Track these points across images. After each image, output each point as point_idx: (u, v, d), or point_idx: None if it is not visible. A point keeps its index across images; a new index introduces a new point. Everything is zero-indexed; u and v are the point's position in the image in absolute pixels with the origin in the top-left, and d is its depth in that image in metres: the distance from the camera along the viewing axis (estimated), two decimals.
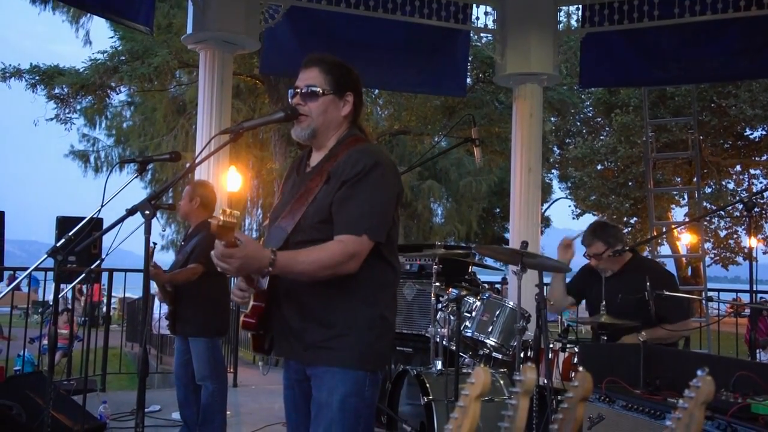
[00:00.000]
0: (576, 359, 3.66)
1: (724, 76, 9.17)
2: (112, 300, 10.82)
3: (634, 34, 6.68)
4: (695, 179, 10.31)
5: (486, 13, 6.98)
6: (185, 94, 16.57)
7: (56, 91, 14.97)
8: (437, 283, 4.43)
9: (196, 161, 2.51)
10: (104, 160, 18.59)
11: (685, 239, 20.51)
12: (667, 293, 3.62)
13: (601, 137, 19.96)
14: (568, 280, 4.41)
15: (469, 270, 5.20)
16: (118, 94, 16.33)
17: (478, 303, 4.36)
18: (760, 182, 19.81)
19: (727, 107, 15.72)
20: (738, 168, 19.84)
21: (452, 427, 1.18)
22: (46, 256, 2.97)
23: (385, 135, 17.40)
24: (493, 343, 4.27)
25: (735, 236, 20.70)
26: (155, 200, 2.30)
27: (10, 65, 14.95)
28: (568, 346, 3.74)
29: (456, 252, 4.92)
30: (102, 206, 2.91)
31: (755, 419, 2.35)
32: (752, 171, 19.99)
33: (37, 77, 14.82)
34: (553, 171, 23.94)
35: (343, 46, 6.58)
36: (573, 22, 13.62)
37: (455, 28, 6.90)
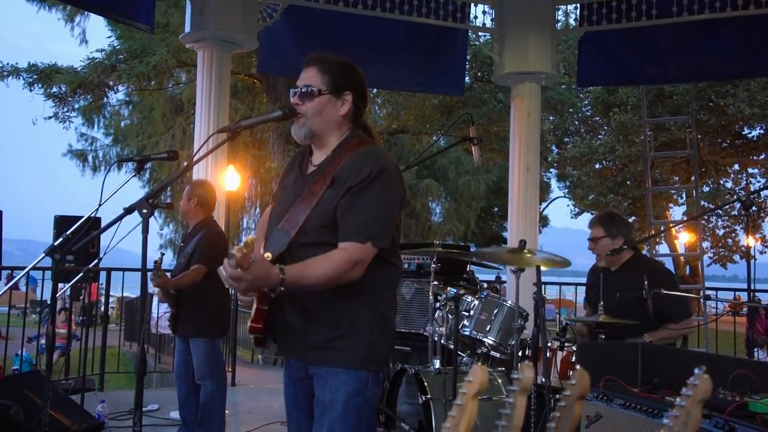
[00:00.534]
0: (574, 358, 3.66)
1: (722, 75, 9.19)
2: (111, 299, 10.79)
3: (633, 33, 6.68)
4: (693, 178, 10.31)
5: (484, 12, 6.99)
6: (183, 93, 16.56)
7: (54, 90, 14.95)
8: (435, 282, 4.43)
9: (194, 160, 2.52)
10: (102, 159, 18.59)
11: (684, 238, 20.50)
12: (666, 292, 3.62)
13: (600, 136, 19.95)
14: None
15: (468, 269, 5.20)
16: (116, 93, 16.33)
17: (477, 302, 4.36)
18: (758, 181, 19.82)
19: (725, 106, 15.72)
20: (736, 167, 19.84)
21: (450, 426, 1.18)
22: (43, 255, 2.96)
23: (384, 134, 17.40)
24: (491, 342, 4.27)
25: (733, 235, 20.72)
26: (153, 199, 2.30)
27: (7, 64, 14.95)
28: (566, 344, 3.74)
29: (454, 251, 4.92)
30: (100, 205, 2.91)
31: (753, 417, 2.35)
32: (750, 170, 20.00)
33: (34, 76, 14.81)
34: (551, 170, 23.94)
35: (341, 45, 6.58)
36: (571, 21, 13.64)
37: (453, 27, 6.90)
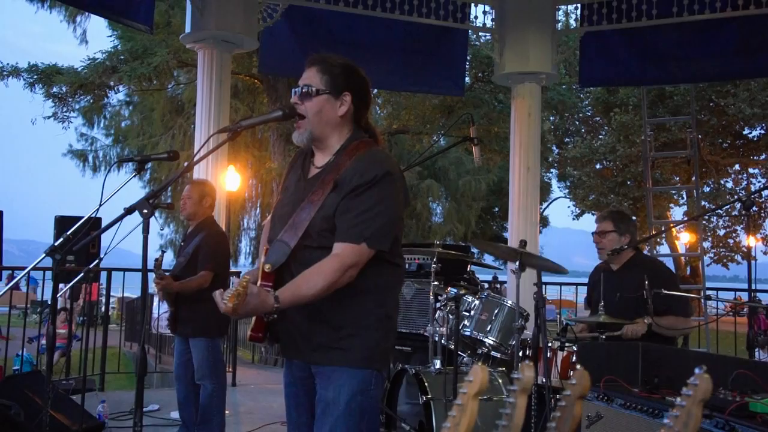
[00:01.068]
0: (574, 358, 3.66)
1: (723, 75, 9.18)
2: (111, 299, 10.80)
3: (633, 33, 6.69)
4: (694, 178, 10.30)
5: (484, 12, 6.98)
6: (183, 93, 16.55)
7: (54, 90, 14.94)
8: (436, 282, 4.43)
9: (195, 160, 2.52)
10: (102, 160, 18.57)
11: (684, 238, 20.51)
12: (666, 292, 3.61)
13: (600, 136, 19.95)
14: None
15: (468, 269, 5.20)
16: (116, 93, 16.32)
17: (477, 302, 4.36)
18: (759, 181, 19.82)
19: (726, 106, 15.71)
20: (736, 167, 19.84)
21: (450, 426, 1.18)
22: (44, 255, 2.97)
23: (384, 134, 17.38)
24: (491, 342, 4.27)
25: (734, 235, 20.71)
26: (153, 199, 2.30)
27: (8, 64, 14.93)
28: (566, 344, 3.74)
29: (455, 252, 4.92)
30: (100, 205, 2.91)
31: (753, 417, 2.35)
32: (751, 170, 20.00)
33: (35, 76, 14.79)
34: (552, 170, 23.93)
35: (341, 45, 6.59)
36: (572, 21, 13.63)
37: (454, 28, 6.90)
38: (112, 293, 9.12)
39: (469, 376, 1.20)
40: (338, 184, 2.19)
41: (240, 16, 6.03)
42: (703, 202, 15.95)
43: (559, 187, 25.89)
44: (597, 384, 2.92)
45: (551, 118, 19.53)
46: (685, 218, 18.22)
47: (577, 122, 21.01)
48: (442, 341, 4.36)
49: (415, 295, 5.16)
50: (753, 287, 3.78)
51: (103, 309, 10.47)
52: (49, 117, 15.45)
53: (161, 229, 18.96)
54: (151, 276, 4.14)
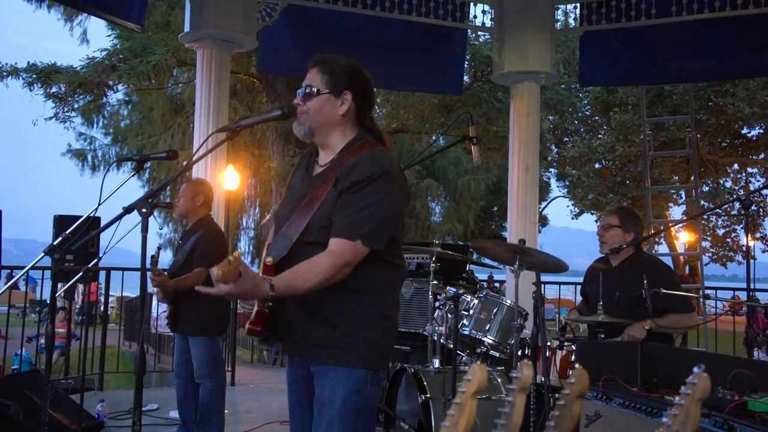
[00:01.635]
0: (573, 357, 3.66)
1: (722, 75, 9.18)
2: (110, 299, 10.80)
3: (632, 33, 6.69)
4: (693, 178, 10.32)
5: (483, 12, 6.98)
6: (184, 92, 16.54)
7: (53, 89, 14.93)
8: (435, 282, 4.43)
9: (194, 159, 2.52)
10: (101, 159, 18.56)
11: (683, 238, 20.53)
12: (665, 291, 3.61)
13: (599, 136, 19.97)
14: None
15: (467, 268, 5.20)
16: (115, 92, 16.31)
17: (476, 301, 4.37)
18: (758, 180, 19.84)
19: (725, 106, 15.72)
20: (735, 166, 19.86)
21: (449, 425, 1.18)
22: (43, 254, 2.97)
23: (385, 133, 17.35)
24: (490, 341, 4.28)
25: (733, 234, 20.73)
26: (152, 198, 2.30)
27: (6, 64, 14.92)
28: (565, 343, 3.74)
29: (453, 252, 4.92)
30: (99, 204, 2.91)
31: (752, 416, 2.36)
32: (750, 169, 20.02)
33: (34, 76, 14.79)
34: (551, 170, 23.96)
35: (340, 44, 6.58)
36: (571, 21, 13.62)
37: (453, 27, 6.90)
38: (111, 292, 9.12)
39: (468, 375, 1.20)
40: (338, 179, 2.21)
41: (239, 15, 6.03)
42: (702, 202, 15.98)
43: (558, 187, 25.93)
44: (596, 383, 2.93)
45: (550, 117, 19.53)
46: (684, 218, 18.24)
47: (576, 122, 21.02)
48: (441, 340, 4.36)
49: (414, 295, 5.17)
50: (751, 287, 3.78)
51: (102, 308, 10.48)
52: (50, 118, 15.45)
53: (160, 229, 18.97)
54: (150, 275, 4.14)
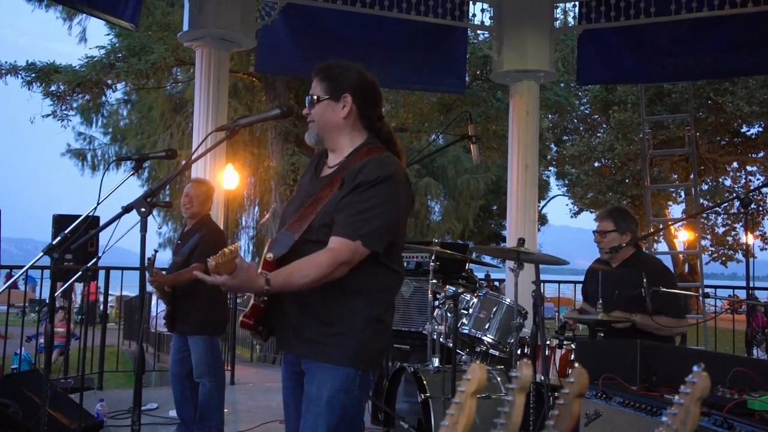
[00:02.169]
0: (573, 356, 3.66)
1: (721, 73, 9.19)
2: (110, 298, 10.80)
3: (631, 31, 6.69)
4: (692, 176, 10.32)
5: (483, 10, 6.98)
6: (185, 92, 16.53)
7: (52, 88, 14.92)
8: (434, 281, 4.43)
9: (193, 158, 2.52)
10: (101, 158, 18.57)
11: (683, 236, 20.55)
12: (664, 290, 3.61)
13: (599, 134, 19.99)
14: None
15: (467, 267, 5.20)
16: (114, 91, 16.29)
17: (475, 300, 4.37)
18: (757, 179, 19.85)
19: (724, 104, 15.74)
20: (735, 165, 19.88)
21: (448, 424, 1.18)
22: (42, 254, 2.96)
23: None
24: (490, 340, 4.28)
25: (733, 233, 20.74)
26: (151, 198, 2.30)
27: (6, 62, 14.91)
28: (565, 342, 3.74)
29: (453, 250, 4.92)
30: (98, 204, 2.91)
31: (751, 415, 2.35)
32: (749, 168, 20.05)
33: (33, 74, 14.78)
34: (550, 168, 23.96)
35: (339, 43, 6.58)
36: (570, 19, 13.61)
37: (452, 26, 6.89)
38: (110, 292, 9.12)
39: (467, 374, 1.20)
40: (344, 181, 2.23)
41: (238, 14, 6.02)
42: (701, 200, 15.98)
43: (557, 185, 25.95)
44: (595, 382, 2.92)
45: (549, 116, 19.54)
46: (684, 216, 18.24)
47: (575, 120, 21.03)
48: (441, 339, 4.36)
49: (414, 294, 5.16)
50: (751, 285, 3.78)
51: (101, 307, 10.48)
52: (47, 115, 15.43)
53: (159, 228, 18.98)
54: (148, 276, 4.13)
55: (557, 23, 7.56)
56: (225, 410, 4.66)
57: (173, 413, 5.21)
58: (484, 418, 2.81)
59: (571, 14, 13.26)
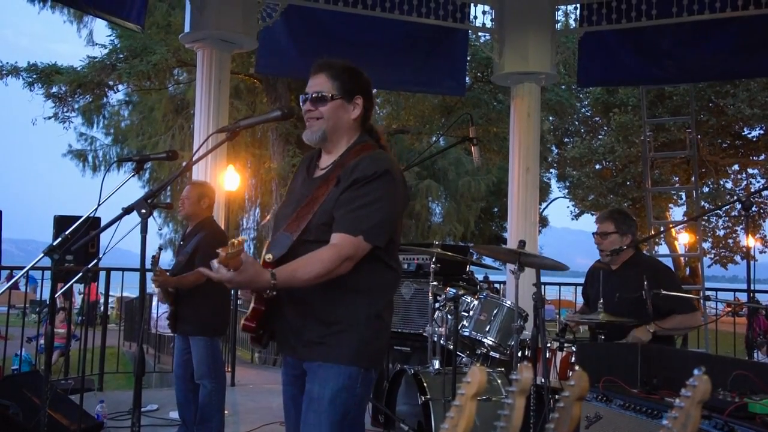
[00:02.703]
0: (573, 358, 3.66)
1: (722, 76, 9.19)
2: (110, 299, 10.80)
3: (632, 34, 6.68)
4: (693, 178, 10.30)
5: (484, 12, 6.98)
6: (187, 93, 16.54)
7: (54, 89, 14.93)
8: (435, 282, 4.43)
9: (194, 159, 2.52)
10: (102, 160, 18.58)
11: (684, 239, 20.54)
12: (665, 292, 3.60)
13: (600, 137, 19.97)
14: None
15: (467, 269, 5.20)
16: (116, 92, 16.31)
17: (476, 302, 4.36)
18: (758, 181, 19.83)
19: (725, 106, 15.73)
20: (736, 167, 19.86)
21: (448, 427, 1.18)
22: (42, 255, 2.96)
23: (384, 134, 17.34)
24: (490, 343, 4.27)
25: (734, 236, 20.71)
26: (152, 199, 2.30)
27: (7, 63, 14.93)
28: (565, 345, 3.74)
29: (454, 252, 4.91)
30: (99, 205, 2.91)
31: (752, 418, 2.35)
32: (750, 170, 20.02)
33: (34, 76, 14.79)
34: (551, 170, 23.95)
35: (340, 45, 6.57)
36: (571, 22, 13.63)
37: (453, 28, 6.89)
38: (111, 293, 9.12)
39: (467, 377, 1.19)
40: (339, 179, 2.24)
41: (239, 15, 6.02)
42: (702, 203, 15.96)
43: (558, 188, 25.92)
44: (596, 385, 2.92)
45: (550, 118, 19.53)
46: (685, 219, 18.22)
47: (576, 122, 21.02)
48: (441, 341, 4.36)
49: (414, 296, 5.16)
50: (752, 288, 3.77)
51: (102, 308, 10.48)
52: (49, 117, 15.45)
53: (160, 229, 18.99)
54: (150, 275, 4.13)
55: (559, 25, 7.58)
56: (225, 412, 4.65)
57: (173, 414, 5.22)
58: (484, 420, 2.81)
59: (573, 16, 13.31)
